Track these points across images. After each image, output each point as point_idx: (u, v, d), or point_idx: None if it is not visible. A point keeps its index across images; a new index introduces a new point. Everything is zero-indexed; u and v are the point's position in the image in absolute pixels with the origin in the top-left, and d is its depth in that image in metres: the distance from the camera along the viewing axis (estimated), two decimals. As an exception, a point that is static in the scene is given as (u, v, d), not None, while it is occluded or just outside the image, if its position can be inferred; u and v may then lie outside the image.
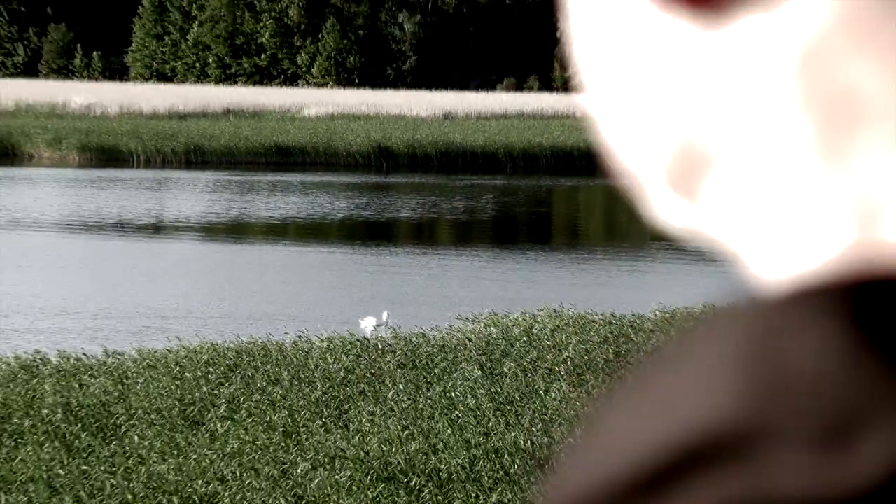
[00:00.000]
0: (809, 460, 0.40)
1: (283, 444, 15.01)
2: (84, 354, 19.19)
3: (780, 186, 0.54)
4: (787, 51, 0.52)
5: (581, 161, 64.06)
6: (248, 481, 13.54)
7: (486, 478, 13.81)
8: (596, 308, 23.02)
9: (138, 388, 17.42)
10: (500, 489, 13.34)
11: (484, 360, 19.32)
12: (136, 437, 15.26)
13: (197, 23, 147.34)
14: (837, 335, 0.41)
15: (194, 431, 15.60)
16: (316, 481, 13.52)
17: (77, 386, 17.43)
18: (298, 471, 13.86)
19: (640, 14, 0.54)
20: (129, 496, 12.97)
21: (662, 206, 0.58)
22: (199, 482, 13.49)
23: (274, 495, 13.07)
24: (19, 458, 14.40)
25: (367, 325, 20.81)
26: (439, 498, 13.18)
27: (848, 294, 0.41)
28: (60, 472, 13.91)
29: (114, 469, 14.09)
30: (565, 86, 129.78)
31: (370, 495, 13.13)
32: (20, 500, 12.86)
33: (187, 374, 18.08)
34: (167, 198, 52.28)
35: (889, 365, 0.40)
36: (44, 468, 14.01)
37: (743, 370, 0.41)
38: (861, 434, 0.39)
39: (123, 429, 15.69)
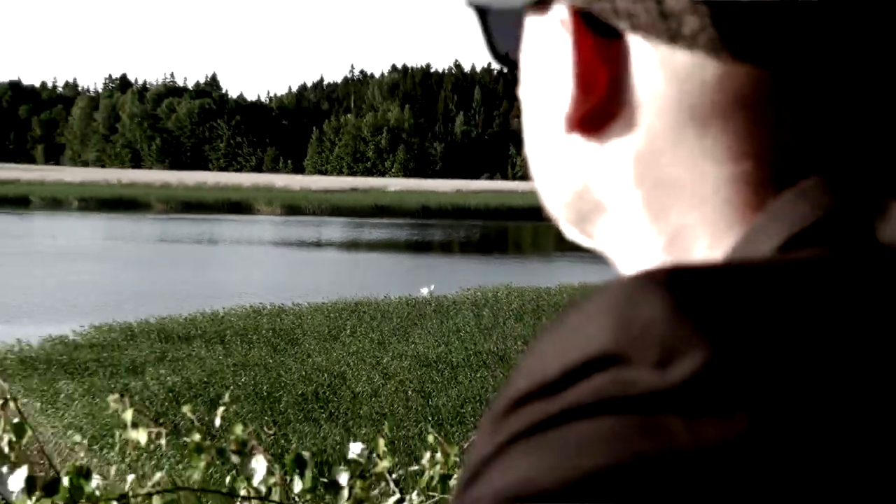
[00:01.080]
0: (647, 373, 0.38)
1: (377, 348, 14.94)
2: (281, 305, 19.17)
3: (629, 230, 0.52)
4: (627, 153, 0.50)
5: (523, 213, 64.03)
6: (360, 366, 13.50)
7: (475, 365, 13.73)
8: (527, 284, 22.98)
9: (308, 320, 17.36)
10: (480, 370, 13.29)
11: (474, 308, 19.24)
12: (306, 345, 15.23)
13: (337, 146, 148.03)
14: (659, 299, 0.39)
15: (334, 342, 15.54)
16: (393, 366, 13.48)
17: (279, 319, 17.40)
18: (384, 361, 13.82)
19: (558, 137, 0.52)
20: (304, 372, 12.95)
21: (568, 234, 0.57)
22: (336, 366, 13.44)
23: (372, 373, 13.03)
24: (250, 355, 14.40)
25: (424, 291, 20.78)
26: (451, 374, 13.12)
27: (665, 276, 0.40)
28: (270, 360, 13.89)
29: (296, 359, 14.05)
30: (514, 177, 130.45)
31: (418, 373, 13.06)
32: (250, 374, 12.87)
33: (332, 314, 17.99)
34: (322, 229, 51.72)
35: (688, 315, 0.39)
36: (261, 359, 14.01)
37: (610, 319, 0.40)
38: (674, 357, 0.38)
39: (301, 340, 15.66)
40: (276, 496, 2.20)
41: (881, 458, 0.37)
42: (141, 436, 2.38)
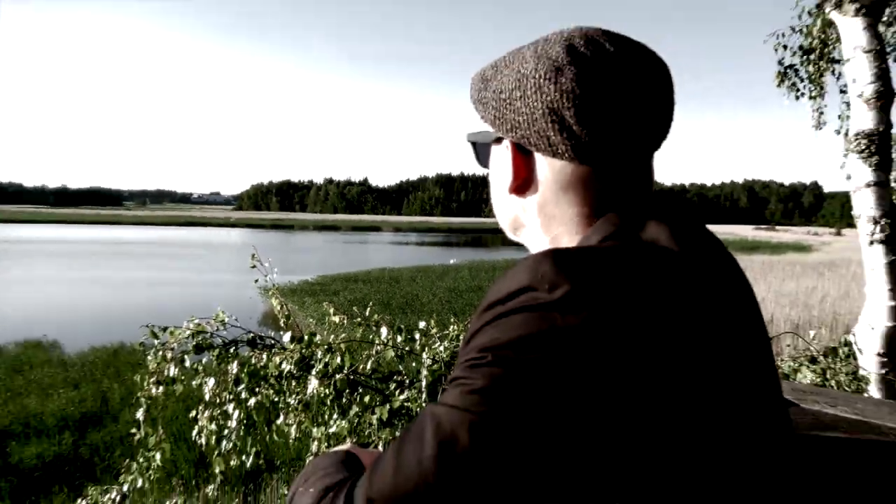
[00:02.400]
0: (544, 294, 0.36)
1: (430, 285, 14.67)
2: (391, 267, 18.35)
3: (535, 235, 0.50)
4: (534, 203, 0.46)
5: (489, 230, 62.17)
6: (423, 292, 13.22)
7: (469, 291, 13.54)
8: (490, 259, 22.63)
9: (402, 273, 16.99)
10: (471, 295, 13.05)
11: (469, 268, 18.96)
12: (402, 283, 14.96)
13: (414, 205, 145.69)
14: (549, 262, 0.37)
15: (413, 282, 15.16)
16: (437, 291, 13.25)
17: (391, 273, 16.78)
18: (433, 289, 13.62)
19: (505, 196, 0.50)
20: (401, 294, 12.67)
21: (509, 236, 0.53)
22: (414, 291, 13.15)
23: (428, 294, 12.75)
24: (380, 287, 14.10)
25: (451, 261, 20.27)
26: (458, 294, 12.86)
27: (551, 253, 0.38)
28: (387, 289, 13.56)
29: (398, 289, 13.74)
30: (485, 216, 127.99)
31: (447, 294, 12.82)
32: (381, 294, 12.63)
33: (412, 271, 17.59)
34: (408, 237, 49.75)
35: (561, 270, 0.37)
36: (383, 289, 13.72)
37: (528, 271, 0.38)
38: (555, 288, 0.36)
39: (400, 281, 15.33)
40: (390, 343, 2.22)
41: (663, 338, 0.37)
42: (336, 319, 2.39)
